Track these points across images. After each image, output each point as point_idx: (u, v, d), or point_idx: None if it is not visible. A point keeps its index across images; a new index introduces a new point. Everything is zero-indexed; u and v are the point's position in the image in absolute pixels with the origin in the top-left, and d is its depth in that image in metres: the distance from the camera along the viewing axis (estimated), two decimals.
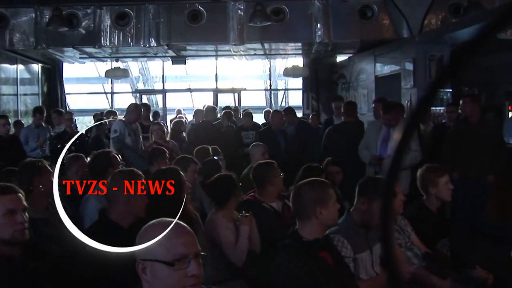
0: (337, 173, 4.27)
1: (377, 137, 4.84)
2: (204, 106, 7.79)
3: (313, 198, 2.26)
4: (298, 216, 2.29)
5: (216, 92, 12.24)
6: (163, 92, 12.49)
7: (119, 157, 3.56)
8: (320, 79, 11.16)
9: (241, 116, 8.20)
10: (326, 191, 2.31)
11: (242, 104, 11.73)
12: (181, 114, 10.26)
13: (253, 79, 14.93)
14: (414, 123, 0.53)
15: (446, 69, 0.50)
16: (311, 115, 8.79)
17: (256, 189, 3.57)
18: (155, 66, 13.81)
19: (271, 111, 7.38)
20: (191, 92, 13.37)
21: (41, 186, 2.65)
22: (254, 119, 7.46)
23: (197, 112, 7.90)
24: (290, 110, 6.85)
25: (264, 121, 8.19)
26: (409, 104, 7.09)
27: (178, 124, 7.50)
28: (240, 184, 3.42)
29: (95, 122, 8.23)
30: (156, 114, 10.07)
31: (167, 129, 6.94)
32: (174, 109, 11.22)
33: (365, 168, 4.92)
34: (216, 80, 12.42)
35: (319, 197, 2.27)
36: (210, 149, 5.01)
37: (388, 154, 4.65)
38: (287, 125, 6.64)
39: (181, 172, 2.97)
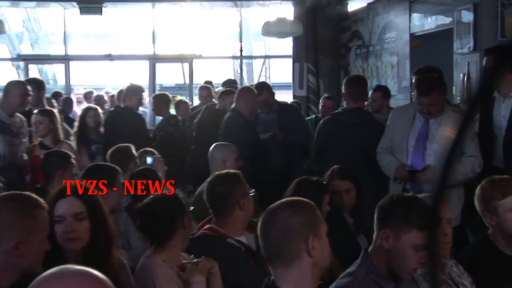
0: (348, 191, 4.35)
1: (408, 133, 4.95)
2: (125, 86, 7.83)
3: (301, 226, 2.33)
4: (275, 258, 2.36)
5: (154, 60, 12.24)
6: (66, 60, 12.42)
7: None
8: (322, 40, 11.29)
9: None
10: (315, 214, 2.40)
11: (196, 80, 11.78)
12: (94, 96, 10.21)
13: (214, 40, 15.01)
14: (473, 114, 0.59)
15: None
16: (322, 99, 8.71)
17: (214, 217, 3.62)
18: (50, 17, 13.70)
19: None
20: (111, 60, 13.33)
21: None
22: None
23: (122, 94, 7.99)
24: (263, 86, 6.96)
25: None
26: (465, 79, 7.28)
27: (90, 114, 7.50)
28: (192, 208, 3.47)
29: None
30: (56, 96, 10.00)
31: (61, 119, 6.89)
32: (85, 89, 11.22)
33: (386, 182, 5.05)
34: (154, 42, 12.42)
35: (309, 223, 2.35)
36: (133, 148, 5.14)
37: (428, 163, 4.76)
38: (260, 111, 6.77)
39: (94, 191, 3.02)
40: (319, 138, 5.93)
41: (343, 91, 5.82)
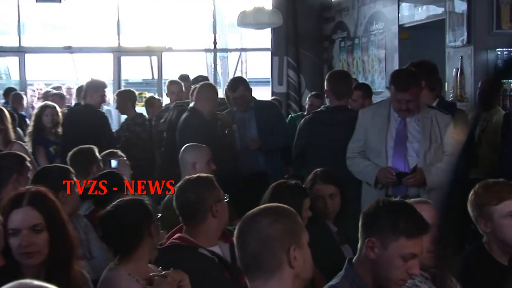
0: (332, 196, 4.37)
1: (385, 134, 4.99)
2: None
3: (283, 234, 2.34)
4: (253, 270, 2.36)
5: (118, 53, 12.19)
6: (20, 52, 12.32)
7: None
8: (303, 32, 11.31)
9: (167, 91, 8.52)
10: (296, 221, 2.41)
11: (166, 75, 11.77)
12: (51, 93, 10.13)
13: (185, 32, 14.98)
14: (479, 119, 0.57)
15: None
16: (309, 97, 8.74)
17: (185, 225, 3.62)
18: (3, 5, 13.56)
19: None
20: (71, 53, 13.25)
21: None
22: None
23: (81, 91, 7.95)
24: (239, 81, 6.99)
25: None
26: (458, 74, 7.32)
27: (47, 113, 7.44)
28: (159, 216, 3.45)
29: None
30: (9, 92, 9.98)
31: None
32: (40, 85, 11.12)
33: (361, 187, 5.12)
34: (118, 33, 12.37)
35: (290, 231, 2.36)
36: (96, 150, 5.16)
37: (412, 165, 4.84)
38: (235, 110, 6.81)
39: (51, 197, 2.98)
40: (300, 139, 5.94)
41: (325, 87, 5.83)
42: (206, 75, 9.52)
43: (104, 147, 5.70)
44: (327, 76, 6.01)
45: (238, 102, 6.73)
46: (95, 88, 7.36)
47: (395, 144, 4.97)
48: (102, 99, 7.60)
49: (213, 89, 6.64)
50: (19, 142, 6.36)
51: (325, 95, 6.16)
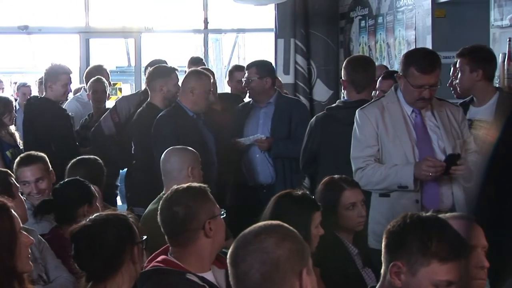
0: (363, 204, 4.53)
1: (407, 131, 5.07)
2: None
3: (293, 255, 2.39)
4: None
5: (87, 35, 12.21)
6: None
7: None
8: (314, 9, 11.32)
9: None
10: (303, 241, 2.46)
11: (145, 60, 11.75)
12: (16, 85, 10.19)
13: (169, 9, 14.98)
14: None
15: None
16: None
17: (172, 245, 3.66)
18: None
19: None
20: (28, 34, 13.25)
21: None
22: None
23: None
24: (262, 64, 7.08)
25: None
26: (506, 60, 7.34)
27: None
28: (144, 238, 3.47)
29: None
30: None
31: None
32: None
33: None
34: (87, 10, 12.38)
35: (301, 252, 2.41)
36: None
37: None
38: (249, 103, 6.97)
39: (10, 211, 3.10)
40: (311, 140, 5.98)
41: (342, 77, 5.86)
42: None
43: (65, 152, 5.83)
44: (344, 64, 6.04)
45: (239, 87, 6.83)
46: (54, 76, 7.37)
47: (419, 144, 5.05)
48: (66, 90, 7.52)
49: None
50: None
51: (342, 87, 6.20)
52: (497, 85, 7.40)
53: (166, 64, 7.84)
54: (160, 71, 6.96)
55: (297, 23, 11.30)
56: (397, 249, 2.79)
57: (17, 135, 7.34)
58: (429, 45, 8.85)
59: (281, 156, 6.75)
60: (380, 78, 6.84)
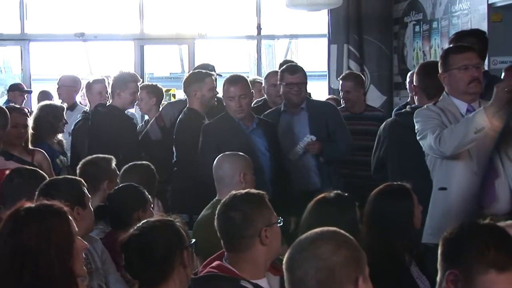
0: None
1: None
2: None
3: (349, 263, 2.38)
4: None
5: (141, 42, 12.29)
6: (21, 40, 12.49)
7: None
8: (368, 14, 11.28)
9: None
10: (359, 248, 2.45)
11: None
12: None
13: (222, 15, 15.00)
14: None
15: None
16: None
17: (227, 251, 3.65)
18: None
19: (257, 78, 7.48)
20: (84, 41, 13.37)
21: None
22: None
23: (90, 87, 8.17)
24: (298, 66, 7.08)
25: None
26: None
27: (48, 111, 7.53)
28: (193, 241, 3.50)
29: None
30: (14, 89, 10.18)
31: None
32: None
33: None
34: (141, 17, 12.47)
35: (357, 259, 2.40)
36: (113, 162, 5.43)
37: None
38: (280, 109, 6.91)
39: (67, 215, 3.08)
40: (379, 146, 5.97)
41: (414, 83, 5.83)
42: (247, 66, 9.41)
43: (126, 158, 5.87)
44: (416, 69, 6.04)
45: (294, 91, 6.74)
46: (124, 84, 7.34)
47: None
48: (134, 98, 7.46)
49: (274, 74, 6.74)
50: (41, 150, 6.53)
51: (413, 93, 6.16)
52: None
53: (214, 68, 7.85)
54: (194, 77, 7.00)
55: (350, 29, 11.29)
56: (453, 257, 2.75)
57: (64, 142, 7.38)
58: None
59: (332, 159, 6.71)
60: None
